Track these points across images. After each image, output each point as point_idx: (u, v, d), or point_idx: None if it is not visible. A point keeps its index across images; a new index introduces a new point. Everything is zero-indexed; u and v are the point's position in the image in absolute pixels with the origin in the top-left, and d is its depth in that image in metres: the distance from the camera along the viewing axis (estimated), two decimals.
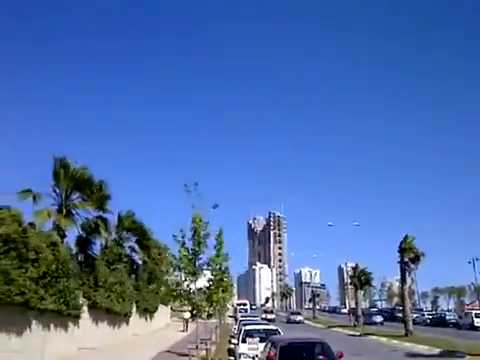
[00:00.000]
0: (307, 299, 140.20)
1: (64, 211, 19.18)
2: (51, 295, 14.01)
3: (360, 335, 32.92)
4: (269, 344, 12.80)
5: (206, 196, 12.19)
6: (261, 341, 11.93)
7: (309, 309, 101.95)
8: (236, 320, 39.36)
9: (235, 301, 67.59)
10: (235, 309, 59.86)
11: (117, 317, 23.60)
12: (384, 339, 28.39)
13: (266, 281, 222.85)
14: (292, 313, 60.28)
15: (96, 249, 21.79)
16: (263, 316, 48.96)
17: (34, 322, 13.41)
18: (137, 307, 28.33)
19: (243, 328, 18.08)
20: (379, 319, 48.43)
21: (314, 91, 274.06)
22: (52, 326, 14.83)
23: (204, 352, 11.78)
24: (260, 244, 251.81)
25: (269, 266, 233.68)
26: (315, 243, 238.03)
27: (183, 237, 11.08)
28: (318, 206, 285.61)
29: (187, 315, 34.50)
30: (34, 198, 18.39)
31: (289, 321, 51.90)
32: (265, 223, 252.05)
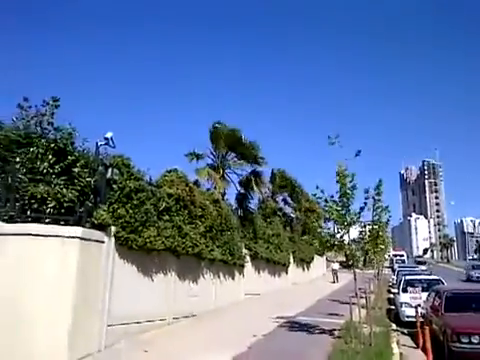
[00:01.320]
0: (471, 250, 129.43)
1: (221, 171, 20.92)
2: (218, 247, 15.53)
3: None
4: (433, 294, 12.40)
5: (353, 147, 11.96)
6: (422, 291, 11.64)
7: (474, 260, 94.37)
8: (394, 271, 38.51)
9: (391, 252, 65.92)
10: (391, 260, 58.44)
11: (277, 267, 25.12)
12: None
13: (423, 232, 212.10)
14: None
15: (253, 204, 23.25)
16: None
17: (206, 271, 15.08)
18: (294, 257, 29.65)
19: (403, 278, 17.77)
20: None
21: None
22: (221, 274, 16.48)
23: (364, 300, 11.94)
24: (414, 194, 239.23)
25: (425, 217, 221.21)
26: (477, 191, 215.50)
27: (322, 192, 11.11)
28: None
29: (336, 266, 34.80)
30: (197, 158, 20.56)
31: (470, 278, 39.15)
32: (419, 172, 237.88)
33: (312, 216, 34.16)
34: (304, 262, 33.81)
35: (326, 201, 10.88)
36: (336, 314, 15.17)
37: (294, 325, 12.92)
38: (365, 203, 10.94)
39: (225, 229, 16.25)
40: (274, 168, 29.32)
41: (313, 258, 37.28)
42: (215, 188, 19.85)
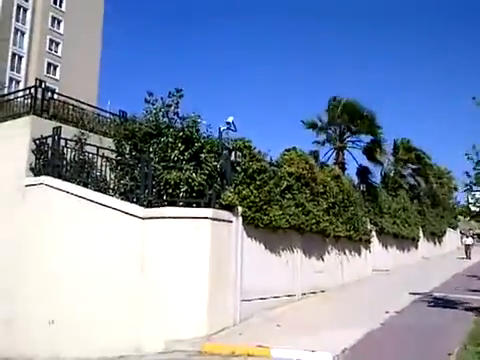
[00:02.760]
0: None
1: (342, 145, 20.50)
2: (342, 223, 15.33)
3: None
4: None
5: None
6: None
7: None
8: None
9: None
10: None
11: (405, 241, 24.03)
12: None
13: None
14: None
15: (376, 178, 22.42)
16: None
17: (331, 247, 15.03)
18: (423, 231, 28.07)
19: None
20: None
21: None
22: (347, 250, 16.28)
23: None
24: None
25: None
26: None
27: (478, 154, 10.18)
28: None
29: (469, 241, 31.45)
30: (314, 129, 20.47)
31: None
32: None
33: (442, 189, 31.93)
34: (435, 236, 31.80)
35: (478, 162, 10.07)
36: (477, 290, 14.10)
37: (430, 301, 12.31)
38: None
39: (348, 205, 15.96)
40: (397, 138, 27.82)
41: (445, 232, 34.90)
42: (335, 163, 19.53)
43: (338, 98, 20.96)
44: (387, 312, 10.61)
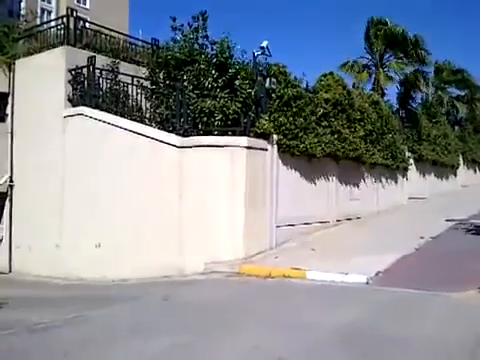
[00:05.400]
0: None
1: (381, 71, 19.56)
2: (379, 150, 15.06)
3: None
4: None
5: None
6: None
7: None
8: None
9: None
10: None
11: (444, 169, 23.51)
12: None
13: None
14: None
15: (416, 104, 21.58)
16: None
17: (367, 175, 14.91)
18: (464, 159, 27.28)
19: None
20: None
21: None
22: (383, 179, 16.13)
23: None
24: None
25: None
26: None
27: None
28: None
29: None
30: (352, 68, 19.49)
31: None
32: None
33: None
34: (476, 163, 30.87)
35: None
36: None
37: (467, 227, 12.25)
38: None
39: (386, 132, 15.59)
40: (440, 60, 26.18)
41: None
42: (374, 90, 18.82)
43: (377, 21, 19.67)
44: (422, 237, 10.66)
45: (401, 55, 19.90)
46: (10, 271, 12.25)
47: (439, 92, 25.66)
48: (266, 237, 9.90)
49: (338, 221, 12.94)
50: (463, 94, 27.59)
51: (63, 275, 10.37)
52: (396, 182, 17.42)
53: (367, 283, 7.36)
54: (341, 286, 7.32)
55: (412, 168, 18.80)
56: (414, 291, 6.68)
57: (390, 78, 19.97)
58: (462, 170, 26.95)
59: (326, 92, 12.40)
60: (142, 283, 8.84)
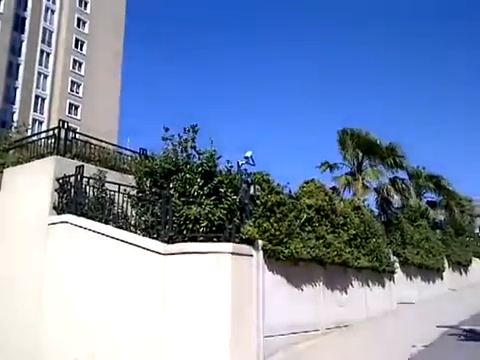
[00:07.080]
0: None
1: (360, 180, 20.37)
2: (364, 254, 15.08)
3: None
4: None
5: None
6: None
7: None
8: None
9: None
10: None
11: (430, 272, 23.40)
12: None
13: None
14: None
15: (395, 208, 22.14)
16: None
17: (354, 279, 14.74)
18: (448, 261, 27.36)
19: None
20: None
21: None
22: (370, 282, 15.93)
23: None
24: None
25: None
26: None
27: None
28: None
29: None
30: (331, 169, 20.30)
31: None
32: None
33: (465, 217, 31.25)
34: (461, 265, 30.92)
35: None
36: None
37: (458, 334, 11.91)
38: None
39: (370, 236, 15.73)
40: (415, 167, 27.50)
41: (471, 261, 33.93)
42: (354, 195, 19.41)
43: (349, 130, 20.93)
44: (414, 346, 10.30)
45: (378, 161, 20.88)
46: None
47: (416, 198, 26.54)
48: (253, 349, 9.37)
49: (328, 329, 12.45)
50: (439, 197, 28.57)
51: None
52: (383, 287, 17.16)
53: None
54: None
55: (398, 272, 18.70)
56: None
57: (367, 188, 20.73)
58: (448, 273, 26.86)
59: (308, 198, 12.72)
60: None
